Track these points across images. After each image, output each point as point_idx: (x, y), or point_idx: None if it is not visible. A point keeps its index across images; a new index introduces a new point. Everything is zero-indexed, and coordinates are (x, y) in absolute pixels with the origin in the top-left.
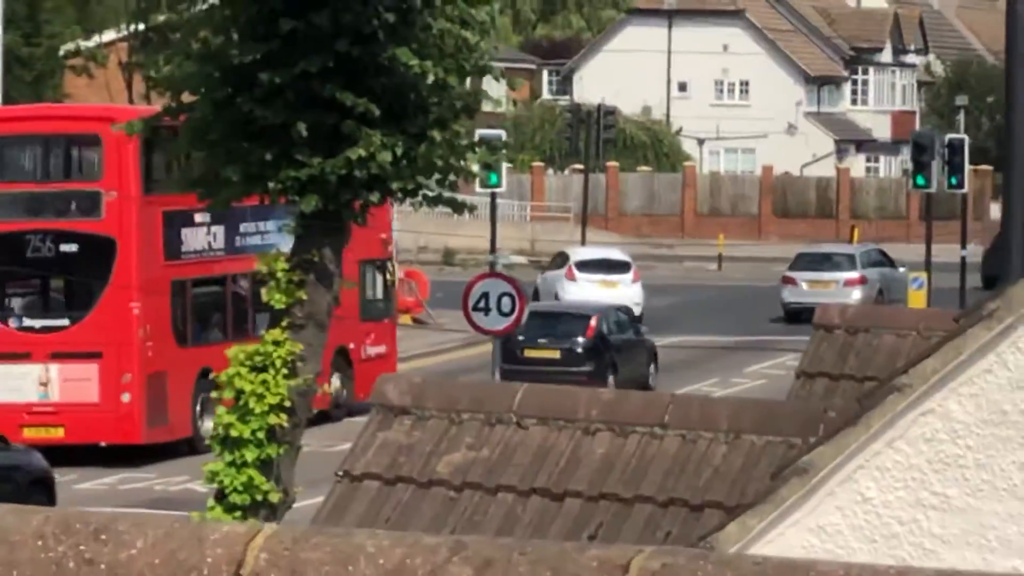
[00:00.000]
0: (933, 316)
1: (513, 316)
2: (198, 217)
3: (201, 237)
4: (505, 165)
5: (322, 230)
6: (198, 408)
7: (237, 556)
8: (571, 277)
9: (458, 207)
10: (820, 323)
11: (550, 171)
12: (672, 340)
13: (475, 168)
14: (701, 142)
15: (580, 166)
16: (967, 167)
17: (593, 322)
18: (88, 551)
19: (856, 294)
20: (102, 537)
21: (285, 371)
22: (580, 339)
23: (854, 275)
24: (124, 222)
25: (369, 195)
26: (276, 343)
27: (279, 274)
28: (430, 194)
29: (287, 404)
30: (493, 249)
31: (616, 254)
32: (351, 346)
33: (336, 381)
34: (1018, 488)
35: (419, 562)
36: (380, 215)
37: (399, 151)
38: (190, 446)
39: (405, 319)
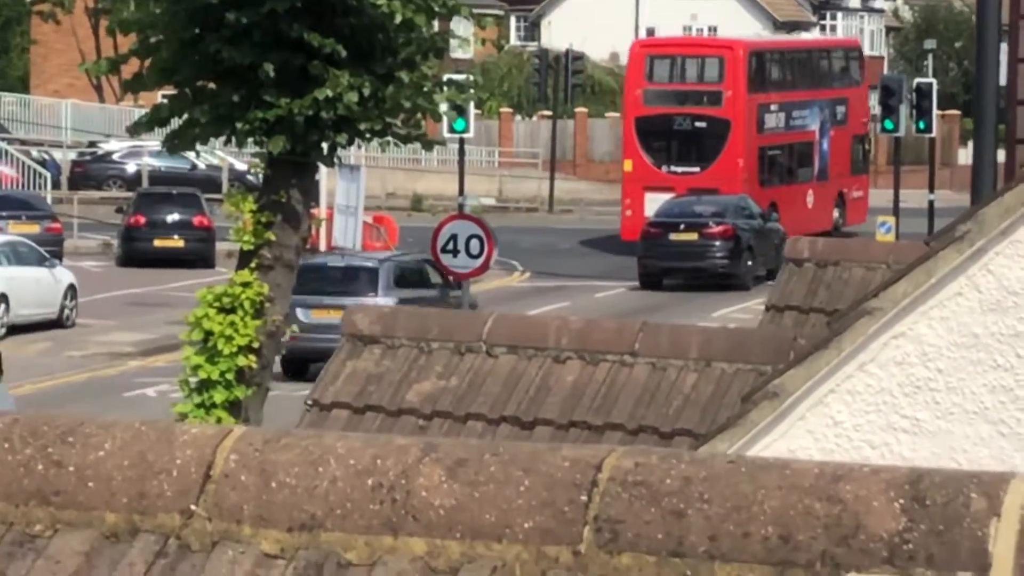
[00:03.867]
0: (903, 248)
1: (482, 258)
2: (772, 107)
3: (774, 121)
4: (473, 112)
5: (290, 171)
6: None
7: (207, 458)
8: None
9: (428, 144)
10: (790, 257)
11: (518, 117)
12: (636, 285)
13: (443, 108)
14: None
15: (548, 112)
16: (935, 111)
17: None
18: (55, 453)
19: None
20: (69, 439)
21: (253, 312)
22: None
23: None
24: (736, 109)
25: (336, 136)
26: (244, 284)
27: (247, 215)
28: (400, 132)
29: (255, 345)
30: (461, 192)
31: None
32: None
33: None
34: (989, 411)
35: (390, 463)
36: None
37: (367, 92)
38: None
39: None
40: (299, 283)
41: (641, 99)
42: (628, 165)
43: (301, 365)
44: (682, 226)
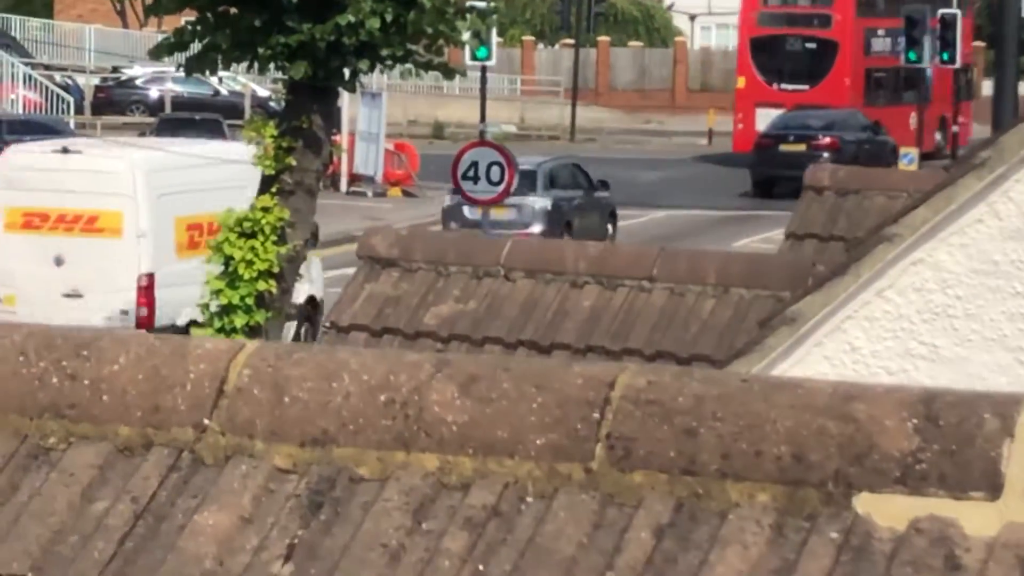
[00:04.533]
0: (924, 178)
1: (503, 185)
2: (879, 32)
3: (880, 45)
4: (495, 39)
5: (311, 97)
6: None
7: (220, 372)
8: None
9: (448, 72)
10: (810, 184)
11: (540, 46)
12: (660, 215)
13: (465, 35)
14: (693, 18)
15: (571, 41)
16: (959, 43)
17: None
18: (70, 367)
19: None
20: (83, 353)
21: (274, 238)
22: None
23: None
24: (844, 32)
25: (358, 62)
26: (265, 209)
27: (268, 140)
28: (421, 59)
29: (275, 271)
30: (483, 120)
31: None
32: None
33: None
34: (1007, 338)
35: (403, 379)
36: None
37: (388, 17)
38: None
39: (395, 192)
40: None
41: (755, 20)
42: (741, 82)
43: None
44: (791, 137)
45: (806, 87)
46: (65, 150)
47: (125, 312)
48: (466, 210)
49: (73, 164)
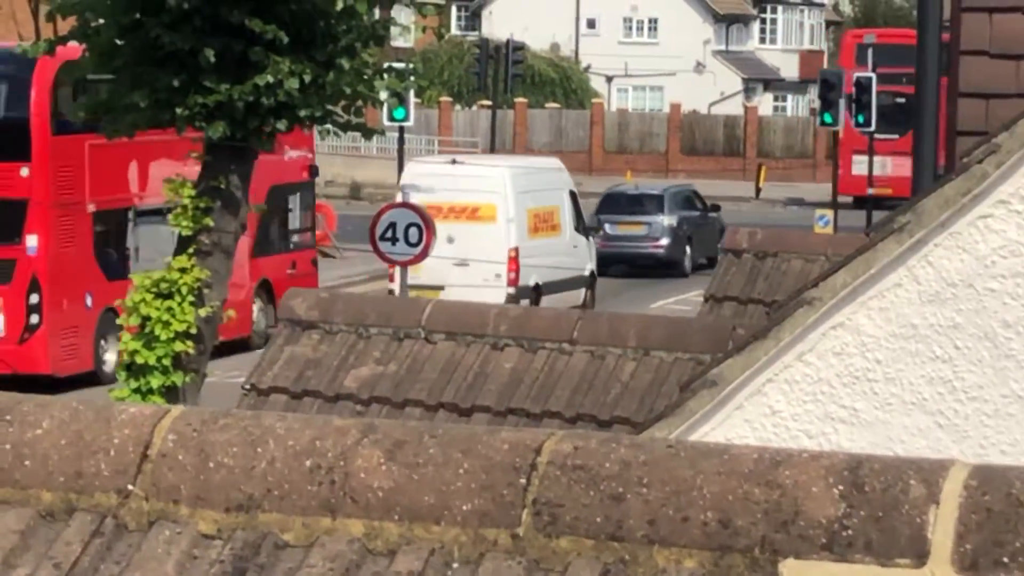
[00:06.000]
0: (842, 241)
1: (421, 246)
2: None
3: None
4: (413, 100)
5: (229, 157)
6: None
7: (144, 437)
8: None
9: (367, 132)
10: (728, 247)
11: (458, 107)
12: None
13: (383, 96)
14: (610, 79)
15: (488, 102)
16: (875, 106)
17: None
18: None
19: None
20: (7, 418)
21: (191, 298)
22: None
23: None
24: None
25: (277, 122)
26: (182, 270)
27: (186, 200)
28: (340, 119)
29: (193, 331)
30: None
31: None
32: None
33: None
34: (927, 402)
35: (329, 444)
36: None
37: (307, 78)
38: None
39: None
40: (605, 205)
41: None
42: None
43: (609, 263)
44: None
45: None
46: (453, 161)
47: (498, 275)
48: (607, 226)
49: (460, 172)
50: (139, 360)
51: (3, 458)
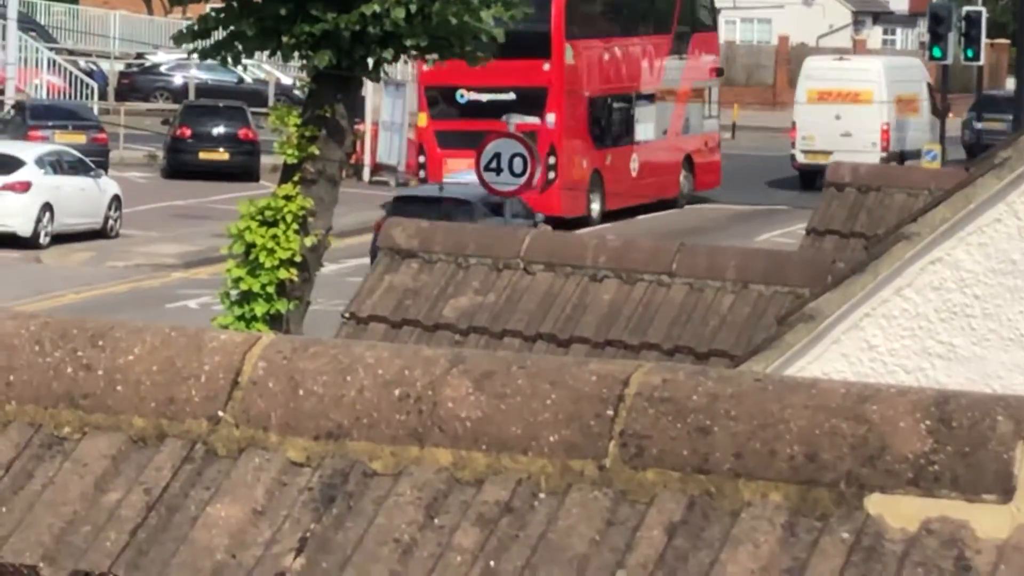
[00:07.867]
0: (946, 176)
1: (525, 176)
2: None
3: None
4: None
5: (335, 86)
6: None
7: (235, 364)
8: None
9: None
10: (831, 181)
11: None
12: (685, 208)
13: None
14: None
15: None
16: (983, 40)
17: None
18: (85, 357)
19: None
20: (99, 343)
21: (296, 226)
22: None
23: None
24: None
25: (382, 51)
26: (287, 197)
27: (291, 129)
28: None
29: (297, 259)
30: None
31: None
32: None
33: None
34: None
35: (418, 374)
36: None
37: (413, 8)
38: None
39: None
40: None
41: None
42: None
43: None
44: None
45: None
46: (841, 58)
47: (873, 144)
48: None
49: (846, 65)
50: (243, 287)
51: (95, 384)
